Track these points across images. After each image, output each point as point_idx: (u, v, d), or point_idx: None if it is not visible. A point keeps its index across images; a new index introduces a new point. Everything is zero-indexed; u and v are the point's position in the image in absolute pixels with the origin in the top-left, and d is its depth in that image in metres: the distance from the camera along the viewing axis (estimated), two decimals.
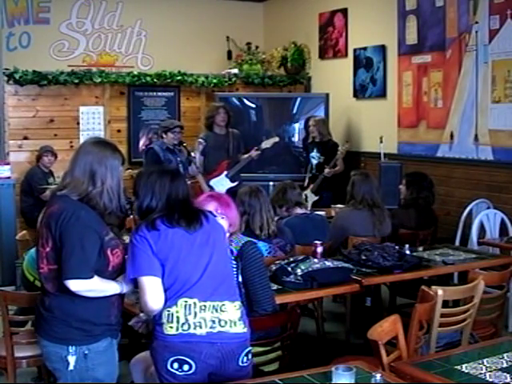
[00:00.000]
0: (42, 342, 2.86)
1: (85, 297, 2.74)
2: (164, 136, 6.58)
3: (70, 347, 2.76)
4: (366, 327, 2.82)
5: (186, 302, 2.68)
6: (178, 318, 2.66)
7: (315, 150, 7.36)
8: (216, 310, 2.70)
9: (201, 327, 2.66)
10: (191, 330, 2.65)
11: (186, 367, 2.64)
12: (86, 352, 2.77)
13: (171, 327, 2.66)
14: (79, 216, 2.73)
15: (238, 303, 2.79)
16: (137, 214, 2.98)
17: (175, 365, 2.64)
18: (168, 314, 2.68)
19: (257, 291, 3.24)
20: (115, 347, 2.91)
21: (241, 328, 2.75)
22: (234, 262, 3.21)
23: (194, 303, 2.68)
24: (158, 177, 2.88)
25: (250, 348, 2.80)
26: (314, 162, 7.36)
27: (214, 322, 2.68)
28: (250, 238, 3.41)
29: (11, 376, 3.51)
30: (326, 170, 7.09)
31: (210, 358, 2.66)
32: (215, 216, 3.01)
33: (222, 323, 2.69)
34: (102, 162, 2.81)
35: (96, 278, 2.73)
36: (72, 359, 2.76)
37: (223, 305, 2.72)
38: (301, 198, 5.01)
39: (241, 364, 2.74)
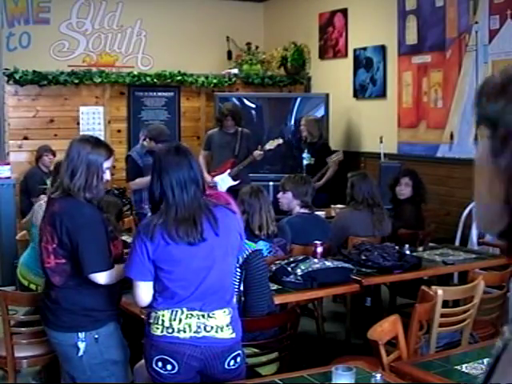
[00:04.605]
0: (51, 334, 2.99)
1: (90, 288, 2.88)
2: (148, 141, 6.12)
3: (80, 333, 2.88)
4: (366, 327, 2.82)
5: (173, 309, 2.68)
6: (163, 321, 2.68)
7: (306, 151, 7.25)
8: (203, 317, 2.68)
9: (185, 332, 2.66)
10: (175, 334, 2.66)
11: (169, 367, 2.67)
12: (97, 336, 2.90)
13: (157, 328, 2.69)
14: (83, 213, 2.86)
15: (228, 309, 2.73)
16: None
17: (159, 364, 2.68)
18: (155, 316, 2.71)
19: (253, 301, 3.21)
20: (120, 331, 3.07)
21: (228, 333, 2.71)
22: (239, 271, 3.18)
23: (182, 311, 2.67)
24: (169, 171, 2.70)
25: (238, 352, 2.76)
26: (305, 162, 7.24)
27: (199, 327, 2.67)
28: (256, 247, 3.36)
29: (11, 376, 3.51)
30: (316, 183, 6.51)
31: (193, 359, 2.67)
32: (233, 211, 2.84)
33: (208, 328, 2.67)
34: (81, 158, 2.89)
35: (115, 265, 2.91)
36: (82, 345, 2.88)
37: (213, 313, 2.69)
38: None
39: (227, 367, 2.72)
